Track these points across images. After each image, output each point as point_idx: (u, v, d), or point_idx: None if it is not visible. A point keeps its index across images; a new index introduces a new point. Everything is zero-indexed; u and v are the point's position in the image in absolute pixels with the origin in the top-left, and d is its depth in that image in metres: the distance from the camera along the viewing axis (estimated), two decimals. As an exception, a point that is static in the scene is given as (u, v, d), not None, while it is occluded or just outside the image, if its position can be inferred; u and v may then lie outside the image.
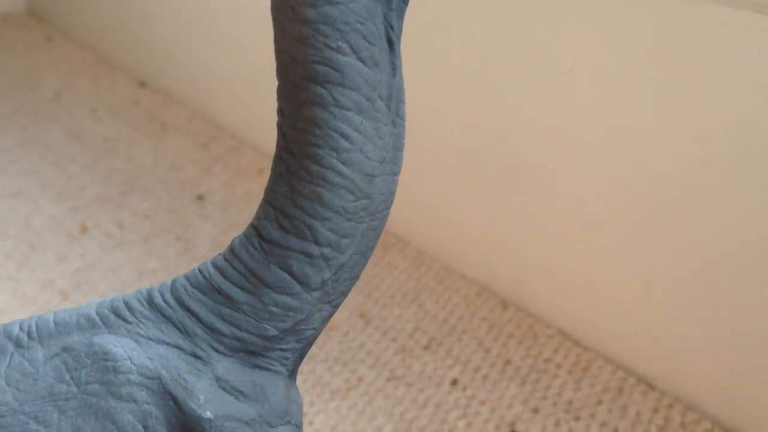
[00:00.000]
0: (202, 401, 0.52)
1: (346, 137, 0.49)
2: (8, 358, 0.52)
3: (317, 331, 0.56)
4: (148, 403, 0.52)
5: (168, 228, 1.84)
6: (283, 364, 0.55)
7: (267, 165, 2.05)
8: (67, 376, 0.51)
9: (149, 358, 0.52)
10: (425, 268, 1.73)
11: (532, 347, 1.53)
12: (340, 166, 0.49)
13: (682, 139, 1.29)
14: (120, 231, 1.83)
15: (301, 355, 0.57)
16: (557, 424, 1.37)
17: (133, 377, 0.52)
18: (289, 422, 0.55)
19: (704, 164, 1.27)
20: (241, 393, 0.53)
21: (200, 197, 1.95)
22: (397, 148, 0.51)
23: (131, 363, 0.52)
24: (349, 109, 0.48)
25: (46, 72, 2.50)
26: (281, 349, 0.55)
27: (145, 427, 0.51)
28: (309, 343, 0.56)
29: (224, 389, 0.53)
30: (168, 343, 0.53)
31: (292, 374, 0.57)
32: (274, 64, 0.51)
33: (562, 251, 1.52)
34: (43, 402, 0.51)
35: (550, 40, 1.42)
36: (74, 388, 0.51)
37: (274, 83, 0.51)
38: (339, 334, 1.57)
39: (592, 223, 1.46)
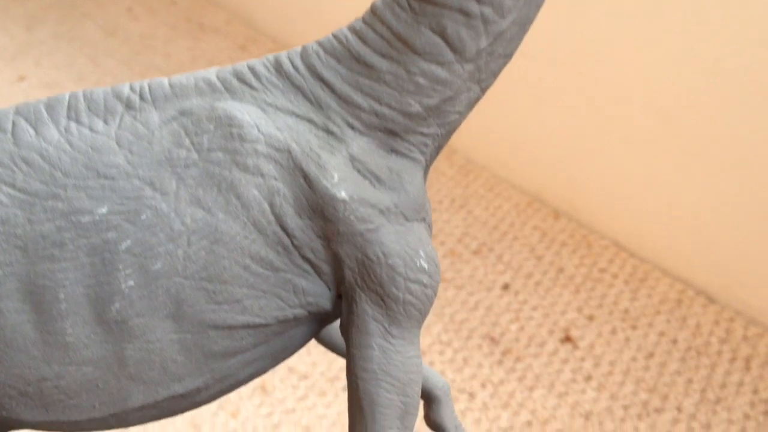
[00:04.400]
0: (336, 180, 0.46)
1: None
2: (118, 119, 0.46)
3: (460, 118, 0.49)
4: (275, 179, 0.45)
5: (207, 126, 1.78)
6: (422, 152, 0.49)
7: (308, 70, 1.98)
8: (187, 141, 0.45)
9: (278, 129, 0.46)
10: (473, 176, 1.67)
11: (586, 257, 1.48)
12: None
13: (757, 43, 1.22)
14: (158, 126, 1.77)
15: (439, 146, 0.51)
16: (613, 332, 1.33)
17: (261, 147, 0.46)
18: (424, 219, 0.49)
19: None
20: (377, 178, 0.47)
21: (240, 97, 1.88)
22: None
23: (258, 131, 0.46)
24: None
25: (79, -30, 2.42)
26: (422, 133, 0.48)
27: (271, 204, 0.45)
28: (449, 133, 0.50)
29: (359, 171, 0.47)
30: (298, 115, 0.47)
31: (427, 169, 0.51)
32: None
33: (617, 161, 1.46)
34: (159, 167, 0.45)
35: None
36: (195, 155, 0.45)
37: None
38: (385, 235, 1.51)
39: (649, 130, 1.39)
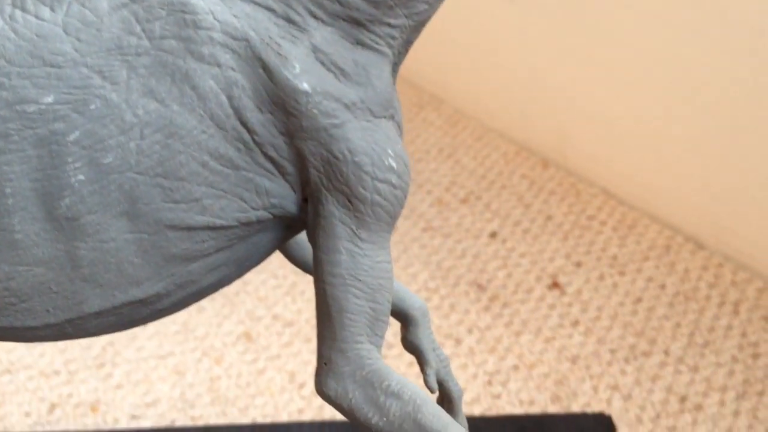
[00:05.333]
0: (297, 70, 0.43)
1: None
2: (65, 7, 0.43)
3: (430, 9, 0.47)
4: (233, 69, 0.43)
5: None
6: (389, 45, 0.47)
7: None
8: (138, 28, 0.43)
9: (234, 16, 0.44)
10: (461, 126, 1.65)
11: (575, 204, 1.46)
12: None
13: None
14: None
15: (408, 41, 0.48)
16: (601, 277, 1.31)
17: (216, 35, 0.43)
18: (392, 117, 0.47)
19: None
20: (342, 71, 0.45)
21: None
22: None
23: (214, 18, 0.43)
24: None
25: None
26: (389, 24, 0.46)
27: (229, 97, 0.43)
28: (418, 26, 0.48)
29: (322, 63, 0.45)
30: (256, 2, 0.44)
31: (395, 68, 0.49)
32: None
33: (606, 109, 1.44)
34: (108, 55, 0.43)
35: None
36: (146, 42, 0.43)
37: None
38: (372, 184, 1.50)
39: (637, 79, 1.37)
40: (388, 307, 0.46)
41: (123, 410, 1.09)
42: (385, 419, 0.46)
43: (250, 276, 1.30)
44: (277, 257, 1.34)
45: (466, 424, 0.60)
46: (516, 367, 1.16)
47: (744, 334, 1.22)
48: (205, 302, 1.25)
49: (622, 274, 1.32)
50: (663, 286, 1.30)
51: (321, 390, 0.47)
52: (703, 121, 1.32)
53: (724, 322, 1.24)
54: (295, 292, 1.27)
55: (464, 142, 1.61)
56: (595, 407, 1.11)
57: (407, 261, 1.34)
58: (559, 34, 1.46)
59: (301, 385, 1.13)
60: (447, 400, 0.61)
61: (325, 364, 0.46)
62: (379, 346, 0.47)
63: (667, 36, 1.31)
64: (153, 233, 0.44)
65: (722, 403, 1.12)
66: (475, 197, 1.47)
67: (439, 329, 1.22)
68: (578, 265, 1.34)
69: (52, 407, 1.09)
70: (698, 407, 1.11)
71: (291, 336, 1.20)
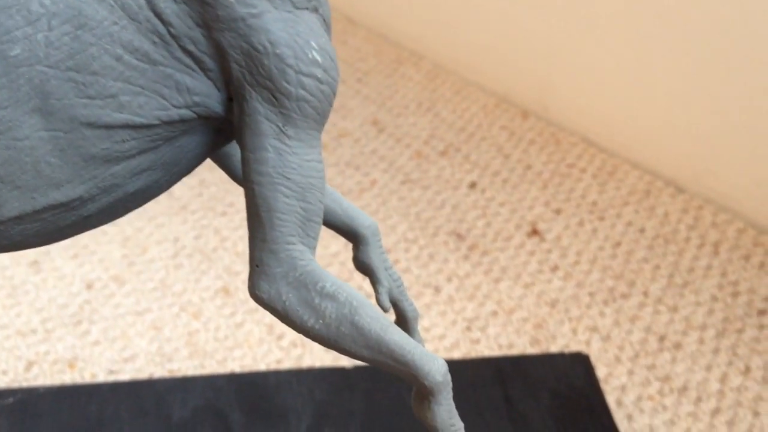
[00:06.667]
0: None
1: None
2: None
3: None
4: None
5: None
6: None
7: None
8: None
9: None
10: (441, 81, 1.64)
11: (554, 153, 1.45)
12: None
13: None
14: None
15: None
16: (581, 223, 1.31)
17: None
18: (316, 10, 0.46)
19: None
20: None
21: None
22: None
23: None
24: None
25: None
26: None
27: None
28: None
29: None
30: None
31: None
32: None
33: (584, 57, 1.42)
34: None
35: None
36: None
37: None
38: (350, 140, 1.49)
39: (614, 25, 1.35)
40: (320, 207, 0.45)
41: (101, 366, 1.09)
42: (321, 322, 0.45)
43: (227, 232, 1.29)
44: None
45: (423, 343, 0.59)
46: (495, 313, 1.16)
47: (724, 274, 1.21)
48: (182, 259, 1.24)
49: (601, 219, 1.31)
50: (642, 230, 1.29)
51: (254, 293, 0.47)
52: (680, 65, 1.31)
53: (703, 263, 1.23)
54: (273, 247, 1.26)
55: (443, 96, 1.59)
56: (574, 348, 1.10)
57: (386, 213, 1.33)
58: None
59: (280, 337, 1.13)
60: (402, 321, 0.61)
61: (257, 266, 0.46)
62: (312, 248, 0.46)
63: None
64: (68, 131, 0.43)
65: (701, 341, 1.11)
66: (454, 149, 1.46)
67: (418, 278, 1.21)
68: (558, 212, 1.33)
69: (30, 365, 1.08)
70: (677, 346, 1.11)
71: (269, 289, 1.20)
